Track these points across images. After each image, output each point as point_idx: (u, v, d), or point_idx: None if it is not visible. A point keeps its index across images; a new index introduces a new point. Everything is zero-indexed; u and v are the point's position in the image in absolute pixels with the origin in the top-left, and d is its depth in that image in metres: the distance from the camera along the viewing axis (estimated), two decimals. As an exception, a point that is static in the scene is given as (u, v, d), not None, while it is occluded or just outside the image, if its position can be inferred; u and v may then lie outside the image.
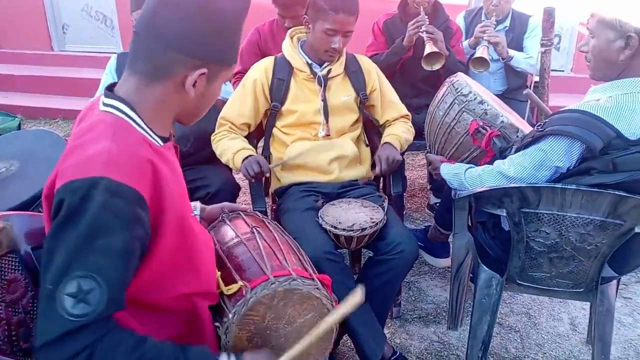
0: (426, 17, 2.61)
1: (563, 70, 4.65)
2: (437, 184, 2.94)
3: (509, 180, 1.52)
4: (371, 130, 2.30)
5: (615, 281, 1.74)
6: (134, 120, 0.98)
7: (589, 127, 1.36)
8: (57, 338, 0.82)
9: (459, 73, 1.97)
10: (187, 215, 1.03)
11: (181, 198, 1.04)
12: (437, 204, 2.96)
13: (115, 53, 2.44)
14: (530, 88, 3.03)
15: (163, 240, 0.95)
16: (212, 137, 2.06)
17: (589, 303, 2.14)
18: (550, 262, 1.60)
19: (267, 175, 1.97)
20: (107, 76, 2.35)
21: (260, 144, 2.25)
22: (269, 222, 1.36)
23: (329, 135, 2.07)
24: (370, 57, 2.44)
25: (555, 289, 1.69)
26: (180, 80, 0.99)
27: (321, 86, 2.04)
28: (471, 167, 1.69)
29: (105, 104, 0.99)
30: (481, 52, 2.79)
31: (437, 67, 2.60)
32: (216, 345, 1.09)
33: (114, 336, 0.86)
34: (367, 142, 2.24)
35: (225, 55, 1.03)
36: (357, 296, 1.06)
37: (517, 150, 1.55)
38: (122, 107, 0.98)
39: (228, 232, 1.28)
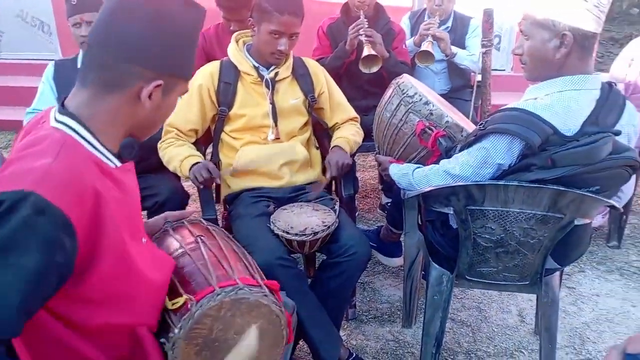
0: (366, 20, 2.66)
1: (504, 70, 4.82)
2: (388, 184, 2.97)
3: (455, 178, 1.55)
4: (320, 132, 2.30)
5: (558, 273, 1.81)
6: (85, 139, 0.94)
7: (528, 125, 1.41)
8: None
9: (405, 75, 2.01)
10: (132, 244, 0.98)
11: (132, 222, 1.01)
12: (389, 204, 3.00)
13: (53, 60, 2.33)
14: (473, 87, 3.13)
15: (99, 266, 0.90)
16: (158, 145, 2.01)
17: (535, 295, 2.22)
18: (497, 257, 1.65)
19: (218, 181, 1.94)
20: (44, 85, 2.24)
21: (209, 150, 2.22)
22: (214, 230, 1.33)
23: (278, 138, 2.07)
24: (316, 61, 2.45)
25: (503, 282, 1.74)
26: (135, 92, 0.97)
27: (269, 89, 2.03)
28: (419, 167, 1.71)
29: (56, 120, 0.95)
30: (426, 46, 2.86)
31: (374, 69, 2.64)
32: (164, 362, 1.05)
33: None
34: (317, 145, 2.24)
35: (180, 67, 1.02)
36: (253, 333, 1.07)
37: (462, 149, 1.58)
38: (72, 124, 0.94)
39: (172, 244, 1.24)
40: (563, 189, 1.43)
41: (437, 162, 1.70)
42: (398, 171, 1.77)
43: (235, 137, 2.06)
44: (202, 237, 1.26)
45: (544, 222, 1.53)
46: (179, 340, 1.02)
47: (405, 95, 1.83)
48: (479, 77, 3.29)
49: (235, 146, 2.05)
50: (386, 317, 2.27)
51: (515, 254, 1.63)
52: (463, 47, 3.13)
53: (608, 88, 1.50)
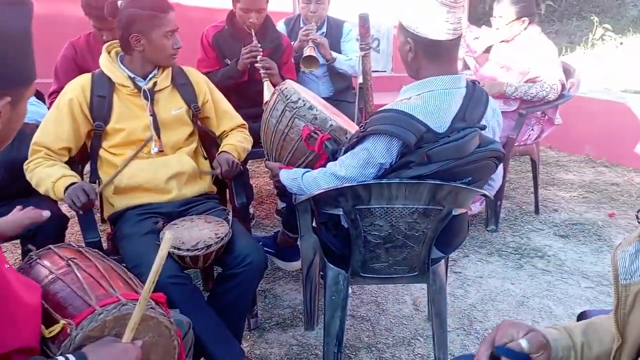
0: (259, 46, 2.63)
1: (385, 71, 5.06)
2: (283, 189, 2.99)
3: (341, 180, 1.59)
4: (208, 142, 2.25)
5: (443, 261, 1.93)
6: None
7: (403, 125, 1.48)
8: None
9: (287, 80, 2.03)
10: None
11: None
12: (284, 209, 3.01)
13: None
14: (355, 90, 3.25)
15: None
16: (24, 166, 1.84)
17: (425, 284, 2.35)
18: (387, 252, 1.72)
19: (96, 204, 1.81)
20: None
21: (87, 169, 2.08)
22: (87, 251, 1.25)
23: (162, 151, 1.99)
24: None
25: (395, 276, 1.81)
26: None
27: (148, 100, 1.95)
28: (307, 171, 1.74)
29: None
30: (309, 51, 2.91)
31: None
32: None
33: None
34: (205, 155, 2.19)
35: (23, 76, 0.93)
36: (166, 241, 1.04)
37: (346, 151, 1.63)
38: None
39: (41, 271, 1.15)
40: (440, 182, 1.53)
41: (324, 165, 1.73)
42: (288, 176, 1.78)
43: (115, 153, 1.95)
44: (74, 260, 1.18)
45: (426, 214, 1.62)
46: (60, 369, 0.94)
47: (289, 101, 1.84)
48: (360, 79, 3.43)
49: (115, 163, 1.94)
50: (289, 322, 2.28)
51: (403, 247, 1.71)
52: (339, 51, 3.23)
53: (472, 86, 1.63)
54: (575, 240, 2.96)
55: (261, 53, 2.62)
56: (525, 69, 2.94)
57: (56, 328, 0.98)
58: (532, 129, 3.09)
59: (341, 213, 1.65)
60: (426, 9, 1.46)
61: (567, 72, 3.09)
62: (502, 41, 3.05)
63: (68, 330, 0.96)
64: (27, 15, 0.91)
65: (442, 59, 1.53)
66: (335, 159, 1.73)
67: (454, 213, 1.64)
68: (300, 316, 2.31)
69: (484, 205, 3.10)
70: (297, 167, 1.87)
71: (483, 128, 1.58)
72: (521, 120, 2.93)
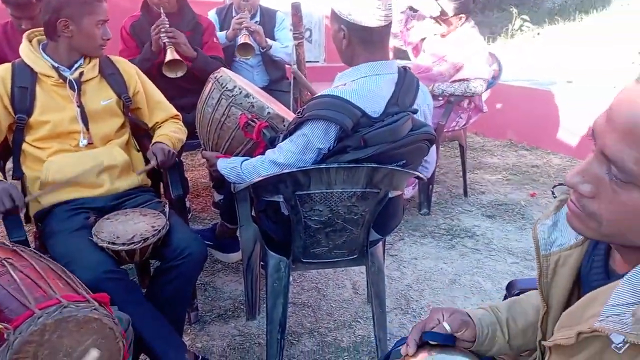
0: (166, 19, 2.59)
1: (318, 61, 5.09)
2: (219, 181, 2.95)
3: (281, 166, 1.60)
4: (141, 134, 2.18)
5: (381, 243, 1.99)
6: None
7: (340, 109, 1.51)
8: None
9: (222, 68, 2.00)
10: None
11: None
12: (222, 200, 2.98)
13: None
14: (290, 79, 3.26)
15: None
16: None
17: (364, 266, 2.41)
18: (327, 237, 1.75)
19: (23, 210, 1.72)
20: None
21: (9, 165, 1.96)
22: (22, 250, 1.19)
23: (92, 143, 1.91)
24: None
25: (335, 260, 1.85)
26: None
27: (74, 91, 1.86)
28: (246, 160, 1.73)
29: None
30: (244, 39, 2.89)
31: (180, 74, 2.60)
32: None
33: None
34: (138, 148, 2.12)
35: None
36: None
37: (284, 138, 1.64)
38: None
39: (-29, 273, 1.08)
40: (376, 165, 1.57)
41: (263, 153, 1.73)
42: (226, 165, 1.76)
43: (40, 147, 1.85)
44: (8, 260, 1.12)
45: (364, 197, 1.66)
46: (-4, 377, 0.89)
47: (225, 89, 1.82)
48: (295, 67, 3.44)
49: (41, 157, 1.84)
50: (230, 313, 2.27)
51: (343, 231, 1.74)
52: (273, 39, 3.23)
53: (404, 72, 1.68)
54: (501, 220, 3.13)
55: (167, 25, 2.58)
56: (458, 61, 3.07)
57: (-10, 332, 0.93)
58: (461, 117, 3.23)
59: (281, 200, 1.66)
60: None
61: (491, 60, 3.25)
62: (437, 34, 3.16)
63: (5, 335, 0.91)
64: None
65: (374, 45, 1.57)
66: (273, 146, 1.73)
67: (390, 195, 1.69)
68: (242, 307, 2.30)
69: (417, 190, 3.21)
70: (235, 155, 1.86)
71: (415, 112, 1.64)
72: (450, 107, 3.05)
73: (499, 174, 3.85)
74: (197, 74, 2.66)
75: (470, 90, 3.02)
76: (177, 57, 2.50)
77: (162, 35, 2.55)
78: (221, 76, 1.88)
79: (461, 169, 3.47)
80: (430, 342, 0.96)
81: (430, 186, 3.14)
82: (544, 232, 0.91)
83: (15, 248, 1.20)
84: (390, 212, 1.82)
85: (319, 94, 1.59)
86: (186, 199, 2.95)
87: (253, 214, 2.01)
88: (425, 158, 1.78)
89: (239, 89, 1.83)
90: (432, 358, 0.92)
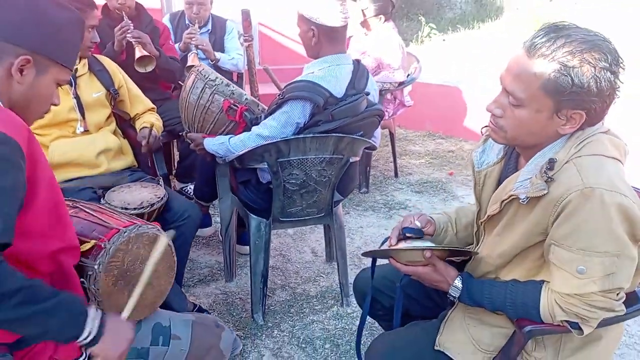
0: (130, 22, 2.86)
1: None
2: (182, 171, 3.26)
3: (266, 139, 1.98)
4: (123, 124, 2.46)
5: (340, 204, 2.42)
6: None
7: (313, 91, 1.92)
8: None
9: (202, 63, 2.34)
10: (55, 181, 1.14)
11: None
12: (184, 188, 3.27)
13: None
14: (235, 81, 3.62)
15: (39, 194, 1.06)
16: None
17: (322, 234, 2.83)
18: (302, 197, 2.15)
19: None
20: None
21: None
22: (72, 200, 1.49)
23: (87, 130, 2.18)
24: None
25: (307, 217, 2.25)
26: (7, 67, 1.12)
27: (71, 85, 2.13)
28: (232, 136, 2.09)
29: None
30: (192, 60, 3.20)
31: (150, 68, 2.86)
32: (85, 300, 1.22)
33: (6, 264, 0.96)
34: (123, 136, 2.40)
35: (51, 48, 1.17)
36: (162, 241, 1.31)
37: (267, 116, 2.02)
38: None
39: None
40: (341, 135, 2.00)
41: (245, 131, 2.10)
42: (214, 142, 2.11)
43: (43, 134, 2.09)
44: (75, 203, 1.42)
45: (331, 162, 2.08)
46: (99, 274, 1.21)
47: (208, 79, 2.17)
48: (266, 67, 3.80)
49: (44, 142, 2.08)
50: (209, 278, 2.59)
51: (314, 192, 2.15)
52: (223, 47, 3.57)
53: (357, 63, 2.13)
54: (427, 194, 3.69)
55: (132, 27, 2.83)
56: (378, 56, 3.58)
57: (87, 245, 1.24)
58: (387, 109, 3.75)
59: (265, 167, 2.04)
60: (324, 3, 1.91)
61: (412, 60, 3.82)
62: (362, 32, 3.67)
63: (102, 245, 1.23)
64: (72, 16, 1.20)
65: (337, 40, 2.00)
66: (253, 125, 2.10)
67: (351, 160, 2.13)
68: (219, 272, 2.63)
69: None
70: (219, 135, 2.20)
71: (368, 94, 2.09)
72: (380, 98, 3.56)
73: (422, 158, 4.44)
74: (159, 71, 2.95)
75: (394, 78, 3.52)
76: (146, 53, 2.77)
77: (128, 36, 2.80)
78: (203, 69, 2.22)
79: (391, 154, 4.00)
80: (407, 234, 1.39)
81: (368, 168, 3.63)
82: (477, 156, 1.39)
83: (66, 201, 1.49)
84: (350, 175, 2.26)
85: (295, 79, 2.00)
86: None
87: (231, 187, 2.36)
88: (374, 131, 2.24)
89: (220, 79, 2.19)
90: (409, 243, 1.36)
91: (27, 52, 1.13)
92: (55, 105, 1.28)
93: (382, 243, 1.54)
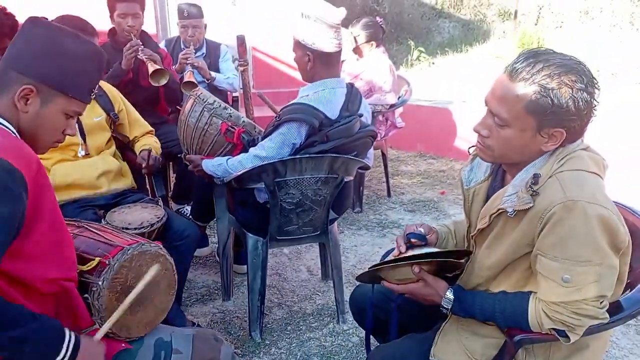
0: (139, 41, 2.94)
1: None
2: (178, 192, 3.32)
3: (264, 159, 2.04)
4: (121, 146, 2.52)
5: (335, 223, 2.48)
6: (9, 129, 1.16)
7: (308, 113, 2.00)
8: None
9: (199, 87, 2.42)
10: (58, 208, 1.19)
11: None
12: (180, 209, 3.33)
13: None
14: (230, 103, 3.71)
15: (40, 224, 1.11)
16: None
17: (317, 253, 2.88)
18: (298, 216, 2.21)
19: None
20: None
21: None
22: (81, 221, 1.55)
23: (88, 154, 2.24)
24: None
25: (303, 236, 2.31)
26: (13, 95, 1.17)
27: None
28: (230, 158, 2.15)
29: None
30: (188, 77, 3.29)
31: (163, 82, 2.90)
32: (89, 316, 1.27)
33: None
34: (122, 158, 2.46)
35: (57, 80, 1.21)
36: (152, 270, 1.35)
37: (264, 138, 2.09)
38: None
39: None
40: (336, 155, 2.07)
41: (243, 152, 2.16)
42: (212, 163, 2.17)
43: (44, 157, 2.14)
44: (80, 222, 1.47)
45: (326, 182, 2.15)
46: (103, 290, 1.25)
47: (206, 103, 2.24)
48: (235, 94, 3.91)
49: (46, 165, 2.13)
50: (207, 297, 2.63)
51: (310, 211, 2.21)
52: (218, 70, 3.67)
53: (350, 87, 2.21)
54: (420, 213, 3.76)
55: (142, 46, 2.90)
56: (369, 79, 3.68)
57: (92, 263, 1.28)
58: (380, 130, 3.84)
59: (263, 187, 2.10)
60: (320, 30, 2.00)
61: (403, 82, 3.93)
62: (354, 58, 3.78)
63: (106, 262, 1.28)
64: (88, 48, 1.25)
65: (331, 65, 2.09)
66: (250, 146, 2.17)
67: (345, 180, 2.20)
68: (216, 292, 2.67)
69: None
70: (217, 156, 2.27)
71: (361, 116, 2.17)
72: (373, 120, 3.65)
73: (414, 178, 4.52)
74: (165, 90, 3.02)
75: (386, 100, 3.62)
76: (159, 67, 2.83)
77: (139, 54, 2.87)
78: (201, 93, 2.30)
79: (384, 174, 4.07)
80: (412, 240, 1.44)
81: (361, 188, 3.70)
82: (465, 175, 1.46)
83: (70, 221, 1.54)
84: (344, 194, 2.32)
85: (291, 102, 2.07)
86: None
87: (228, 207, 2.42)
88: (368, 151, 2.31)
89: (218, 102, 2.26)
90: (417, 249, 1.41)
91: (32, 81, 1.17)
92: (70, 135, 1.32)
93: (383, 257, 1.60)
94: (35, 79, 1.18)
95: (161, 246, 1.42)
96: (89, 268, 1.29)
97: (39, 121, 1.22)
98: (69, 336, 1.13)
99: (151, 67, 2.80)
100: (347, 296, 2.62)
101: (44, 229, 1.13)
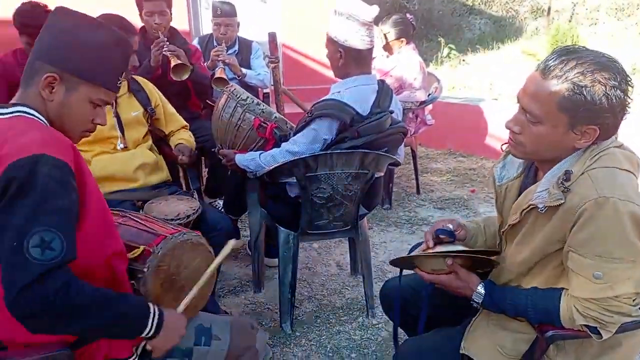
0: (165, 38, 3.01)
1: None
2: (211, 187, 3.39)
3: (295, 154, 2.08)
4: (157, 140, 2.60)
5: (365, 218, 2.50)
6: (40, 119, 1.21)
7: (340, 109, 2.03)
8: (36, 279, 0.98)
9: (233, 84, 2.48)
10: (99, 190, 1.26)
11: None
12: (212, 203, 3.40)
13: None
14: (261, 99, 3.77)
15: (90, 204, 1.17)
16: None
17: (346, 248, 2.92)
18: (329, 211, 2.24)
19: None
20: None
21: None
22: (125, 211, 1.61)
23: (126, 147, 2.32)
24: None
25: (333, 230, 2.34)
26: (37, 84, 1.21)
27: (112, 104, 2.28)
28: (263, 152, 2.20)
29: (10, 112, 1.18)
30: (219, 73, 3.35)
31: (185, 76, 2.95)
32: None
33: (77, 279, 1.07)
34: (158, 152, 2.54)
35: (80, 67, 1.23)
36: (228, 246, 1.44)
37: (295, 134, 2.13)
38: (26, 110, 1.19)
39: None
40: (367, 151, 2.10)
41: (274, 147, 2.21)
42: (245, 158, 2.22)
43: (85, 150, 2.23)
44: (124, 212, 1.54)
45: (357, 177, 2.17)
46: (148, 277, 1.31)
47: (239, 99, 2.29)
48: (266, 90, 3.97)
49: (87, 158, 2.22)
50: (238, 289, 2.69)
51: (340, 205, 2.24)
52: (249, 67, 3.72)
53: (381, 83, 2.23)
54: (449, 211, 3.75)
55: (167, 42, 2.97)
56: (400, 76, 3.69)
57: (137, 251, 1.34)
58: (409, 126, 3.84)
59: (294, 181, 2.14)
60: (352, 27, 2.03)
61: (433, 80, 3.92)
62: (384, 55, 3.79)
63: (151, 250, 1.34)
64: (110, 36, 1.27)
65: (362, 62, 2.11)
66: (282, 141, 2.22)
67: (375, 176, 2.22)
68: (247, 284, 2.73)
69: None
70: (249, 151, 2.32)
71: (392, 112, 2.19)
72: (404, 117, 3.65)
73: (444, 176, 4.50)
74: (193, 85, 3.10)
75: (416, 97, 3.63)
76: (180, 62, 2.91)
77: (164, 50, 2.95)
78: (235, 89, 2.36)
79: (413, 172, 4.08)
80: (440, 235, 1.46)
81: (390, 185, 3.71)
82: (497, 171, 1.47)
83: (118, 211, 1.61)
84: (375, 190, 2.35)
85: (323, 98, 2.11)
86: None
87: (259, 201, 2.47)
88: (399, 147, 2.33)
89: (251, 98, 2.32)
90: (444, 246, 1.43)
91: (55, 69, 1.20)
92: (101, 125, 1.34)
93: (411, 250, 1.62)
94: (58, 67, 1.20)
95: (201, 235, 1.48)
96: (135, 255, 1.35)
97: (66, 110, 1.23)
98: (154, 310, 1.20)
99: (173, 62, 2.87)
100: (376, 291, 2.65)
101: (94, 211, 1.18)
